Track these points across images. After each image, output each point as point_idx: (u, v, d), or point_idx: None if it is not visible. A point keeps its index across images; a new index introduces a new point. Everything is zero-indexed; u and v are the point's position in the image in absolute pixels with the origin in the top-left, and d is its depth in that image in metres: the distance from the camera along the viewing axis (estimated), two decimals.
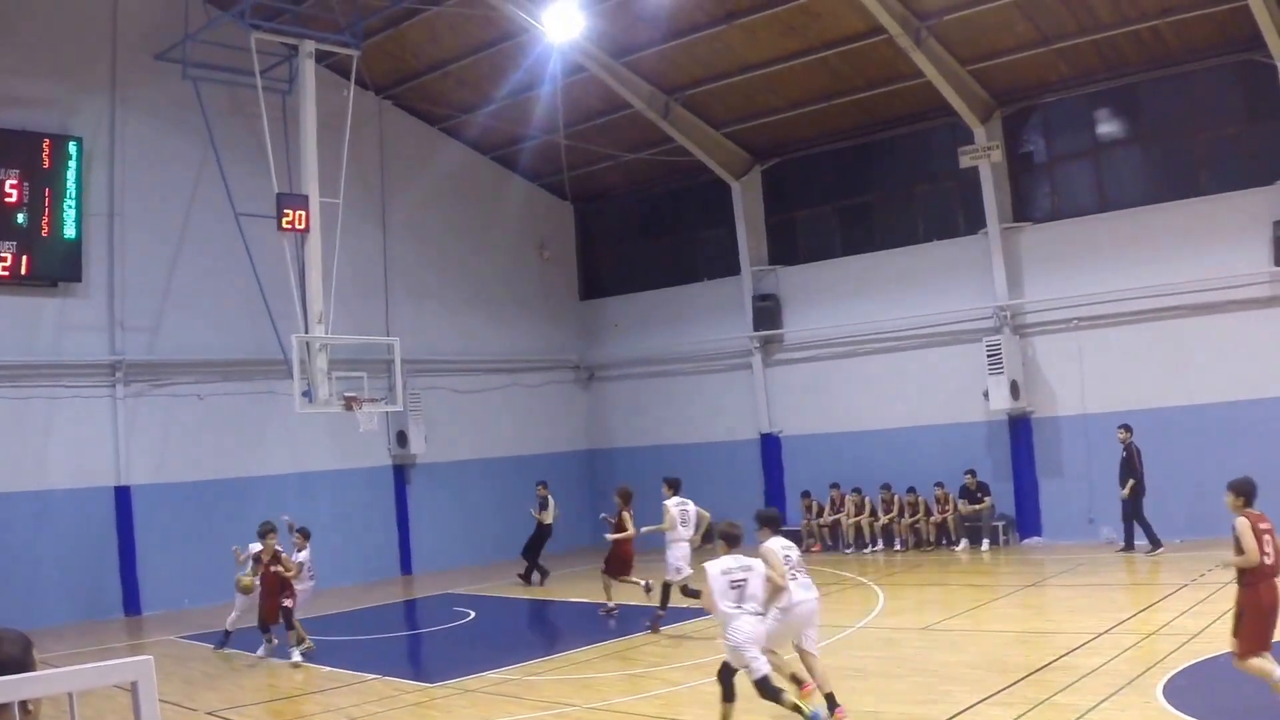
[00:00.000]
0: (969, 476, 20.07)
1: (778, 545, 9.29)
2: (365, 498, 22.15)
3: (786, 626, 9.11)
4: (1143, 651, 10.59)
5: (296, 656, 13.29)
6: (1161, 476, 18.06)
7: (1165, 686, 9.13)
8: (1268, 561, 7.87)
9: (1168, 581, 14.31)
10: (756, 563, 8.79)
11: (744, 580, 8.56)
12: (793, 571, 9.21)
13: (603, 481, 26.20)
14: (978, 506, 19.97)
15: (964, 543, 19.87)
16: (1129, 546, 17.79)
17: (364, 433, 18.76)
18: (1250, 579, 7.97)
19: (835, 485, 21.80)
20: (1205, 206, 18.37)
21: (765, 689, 8.38)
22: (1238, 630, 8.01)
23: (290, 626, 13.52)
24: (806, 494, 22.23)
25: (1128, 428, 18.02)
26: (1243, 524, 7.99)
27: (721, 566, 8.61)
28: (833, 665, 11.05)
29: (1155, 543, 17.53)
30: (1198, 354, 18.29)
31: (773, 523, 9.64)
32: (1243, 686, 8.87)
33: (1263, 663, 7.89)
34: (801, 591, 9.18)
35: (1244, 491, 8.21)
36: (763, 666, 8.39)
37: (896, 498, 21.04)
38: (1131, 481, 17.71)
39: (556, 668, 12.58)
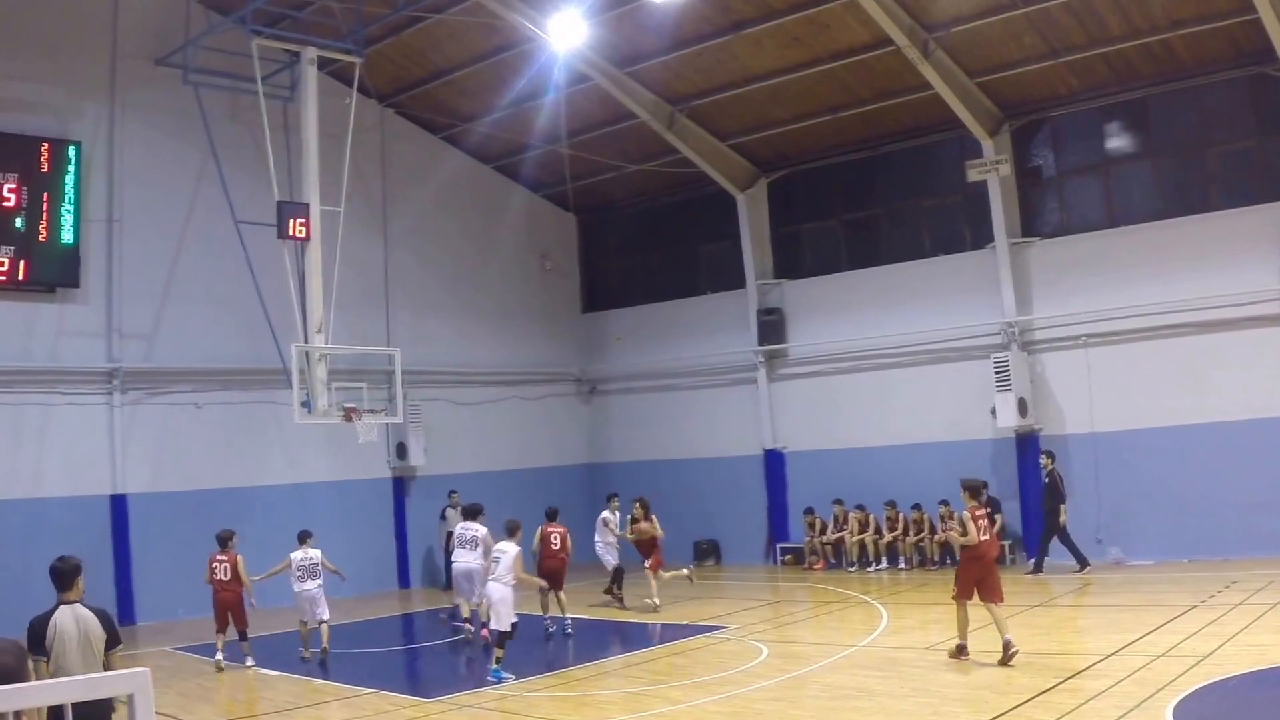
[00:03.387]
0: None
1: (298, 555, 14.60)
2: (364, 510, 21.92)
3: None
4: (1152, 673, 10.37)
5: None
6: (1170, 495, 17.99)
7: (1175, 709, 8.94)
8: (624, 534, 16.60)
9: (1177, 603, 14.09)
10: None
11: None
12: (298, 570, 14.44)
13: (603, 496, 25.96)
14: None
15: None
16: (1039, 569, 18.27)
17: (363, 444, 18.66)
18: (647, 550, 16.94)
19: (839, 502, 21.57)
20: (1216, 222, 18.18)
21: None
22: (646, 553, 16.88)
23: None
24: (810, 511, 21.99)
25: (1050, 455, 18.60)
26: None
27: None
28: (835, 684, 11.14)
29: (1083, 562, 18.15)
30: (1208, 371, 18.09)
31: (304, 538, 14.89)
32: (1254, 709, 8.69)
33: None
34: (297, 584, 14.47)
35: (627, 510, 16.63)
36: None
37: (901, 515, 20.80)
38: (1061, 506, 18.22)
39: (555, 685, 12.42)
